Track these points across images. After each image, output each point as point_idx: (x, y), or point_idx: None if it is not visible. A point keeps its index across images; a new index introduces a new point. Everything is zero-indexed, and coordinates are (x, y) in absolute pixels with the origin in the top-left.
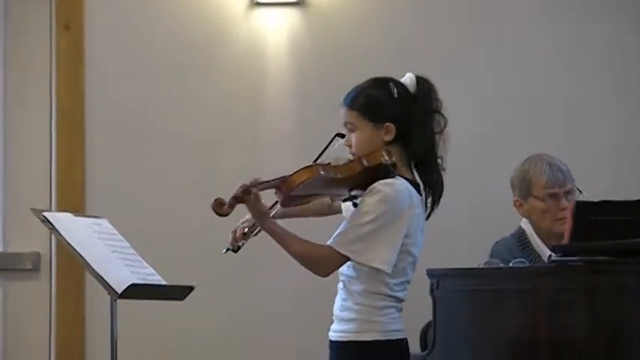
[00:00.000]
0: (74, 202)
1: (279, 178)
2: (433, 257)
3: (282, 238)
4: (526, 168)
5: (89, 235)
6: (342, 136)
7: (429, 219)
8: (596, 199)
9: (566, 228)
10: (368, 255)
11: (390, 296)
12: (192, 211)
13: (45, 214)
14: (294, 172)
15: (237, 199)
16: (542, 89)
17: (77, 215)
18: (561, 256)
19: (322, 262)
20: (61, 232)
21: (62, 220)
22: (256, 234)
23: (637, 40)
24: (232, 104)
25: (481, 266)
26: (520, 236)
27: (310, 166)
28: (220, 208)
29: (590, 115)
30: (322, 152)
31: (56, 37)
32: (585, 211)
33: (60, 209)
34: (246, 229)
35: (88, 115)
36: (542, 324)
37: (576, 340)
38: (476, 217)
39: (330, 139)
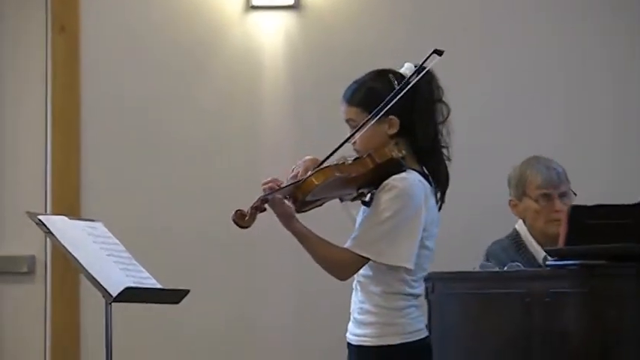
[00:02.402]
0: (69, 204)
1: (293, 183)
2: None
3: (307, 241)
4: (523, 168)
5: (84, 239)
6: (440, 52)
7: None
8: (596, 200)
9: (561, 231)
10: (389, 254)
11: (409, 294)
12: (189, 214)
13: (40, 217)
14: (310, 175)
15: (257, 209)
16: (541, 90)
17: (72, 218)
18: (556, 260)
19: (343, 265)
20: (56, 236)
21: (57, 224)
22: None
23: (636, 40)
24: (229, 107)
25: (476, 269)
26: (515, 238)
27: (325, 167)
28: (242, 220)
29: (589, 116)
30: (350, 136)
31: (52, 39)
32: (580, 214)
33: (55, 212)
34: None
35: (83, 117)
36: (537, 328)
37: (571, 344)
38: (473, 220)
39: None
